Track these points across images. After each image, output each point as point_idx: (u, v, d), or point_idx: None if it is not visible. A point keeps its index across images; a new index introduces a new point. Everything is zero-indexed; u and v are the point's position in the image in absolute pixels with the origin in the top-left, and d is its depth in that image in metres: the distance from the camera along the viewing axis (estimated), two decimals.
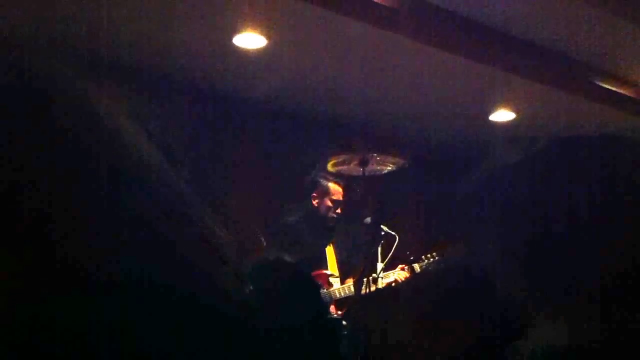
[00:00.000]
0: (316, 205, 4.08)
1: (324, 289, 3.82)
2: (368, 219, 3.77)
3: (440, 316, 0.94)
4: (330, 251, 4.14)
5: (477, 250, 0.98)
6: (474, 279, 0.92)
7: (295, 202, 4.23)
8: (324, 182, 4.09)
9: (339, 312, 3.76)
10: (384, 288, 3.70)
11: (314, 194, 4.09)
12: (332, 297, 3.82)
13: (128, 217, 0.48)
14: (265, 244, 3.72)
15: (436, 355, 0.94)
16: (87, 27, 4.09)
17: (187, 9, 3.92)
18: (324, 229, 4.10)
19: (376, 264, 3.88)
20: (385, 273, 3.86)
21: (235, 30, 4.17)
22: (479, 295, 0.91)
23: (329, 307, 3.74)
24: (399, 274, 3.86)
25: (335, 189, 4.08)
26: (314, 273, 3.80)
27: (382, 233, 3.96)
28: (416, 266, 3.93)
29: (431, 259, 3.95)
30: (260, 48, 4.37)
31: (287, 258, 1.55)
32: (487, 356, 0.87)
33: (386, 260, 3.93)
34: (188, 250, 0.51)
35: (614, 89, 4.72)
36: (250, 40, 4.28)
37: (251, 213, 5.25)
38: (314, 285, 1.80)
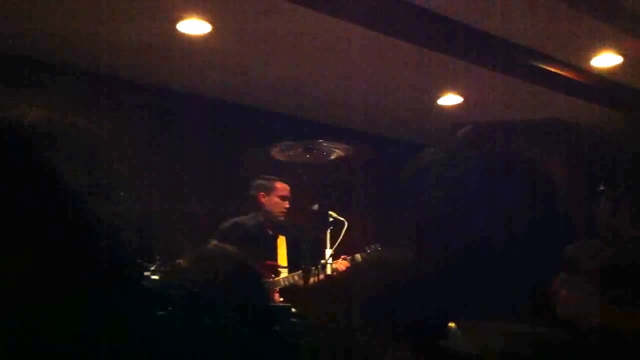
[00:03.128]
0: (264, 203, 4.16)
1: (268, 278, 3.83)
2: (316, 206, 3.78)
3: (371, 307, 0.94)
4: (281, 242, 4.21)
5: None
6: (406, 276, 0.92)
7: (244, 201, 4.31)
8: (268, 182, 4.20)
9: (281, 300, 3.79)
10: (324, 279, 3.74)
11: (261, 193, 4.17)
12: (276, 285, 3.86)
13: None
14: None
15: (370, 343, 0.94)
16: (26, 21, 3.98)
17: None
18: (273, 224, 4.17)
19: (325, 251, 3.91)
20: (330, 262, 3.90)
21: (179, 17, 4.09)
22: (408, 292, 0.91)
23: (272, 295, 3.77)
24: (341, 264, 3.91)
25: (282, 186, 4.20)
26: (261, 264, 3.80)
27: (331, 219, 3.99)
28: (358, 256, 4.00)
29: (374, 250, 4.01)
30: (205, 34, 4.30)
31: (230, 248, 1.54)
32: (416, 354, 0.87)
33: (335, 246, 3.95)
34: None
35: (556, 71, 4.83)
36: (194, 26, 4.21)
37: (195, 209, 5.21)
38: (253, 273, 1.78)
